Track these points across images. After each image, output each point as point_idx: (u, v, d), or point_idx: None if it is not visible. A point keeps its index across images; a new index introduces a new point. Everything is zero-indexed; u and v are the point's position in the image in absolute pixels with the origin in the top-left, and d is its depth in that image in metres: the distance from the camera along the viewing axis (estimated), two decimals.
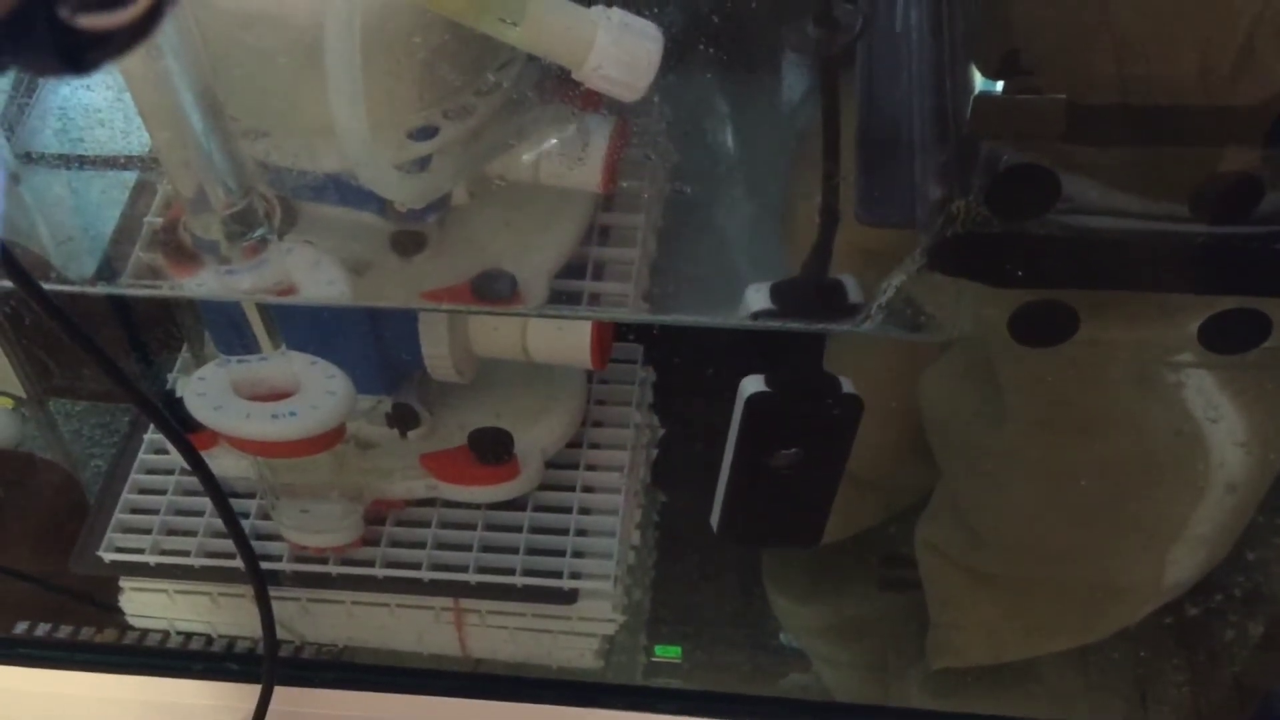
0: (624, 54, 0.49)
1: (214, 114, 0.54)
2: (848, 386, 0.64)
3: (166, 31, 0.50)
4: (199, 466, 0.64)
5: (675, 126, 0.64)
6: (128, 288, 0.64)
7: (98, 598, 0.87)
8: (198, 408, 0.70)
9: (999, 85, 0.50)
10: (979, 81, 0.51)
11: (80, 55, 0.24)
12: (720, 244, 0.64)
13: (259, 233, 0.59)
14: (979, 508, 0.77)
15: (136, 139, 0.64)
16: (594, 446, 0.85)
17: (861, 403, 0.63)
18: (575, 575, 0.80)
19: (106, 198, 0.67)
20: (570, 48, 0.49)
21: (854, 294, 0.59)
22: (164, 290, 0.64)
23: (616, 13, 0.50)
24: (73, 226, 0.67)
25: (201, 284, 0.62)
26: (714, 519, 0.71)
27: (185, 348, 0.85)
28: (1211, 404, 0.65)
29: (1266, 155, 0.49)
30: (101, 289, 0.63)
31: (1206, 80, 0.49)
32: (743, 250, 0.64)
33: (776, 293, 0.59)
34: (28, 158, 0.66)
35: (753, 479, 0.68)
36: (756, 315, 0.59)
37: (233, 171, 0.56)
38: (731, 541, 0.74)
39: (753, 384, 0.64)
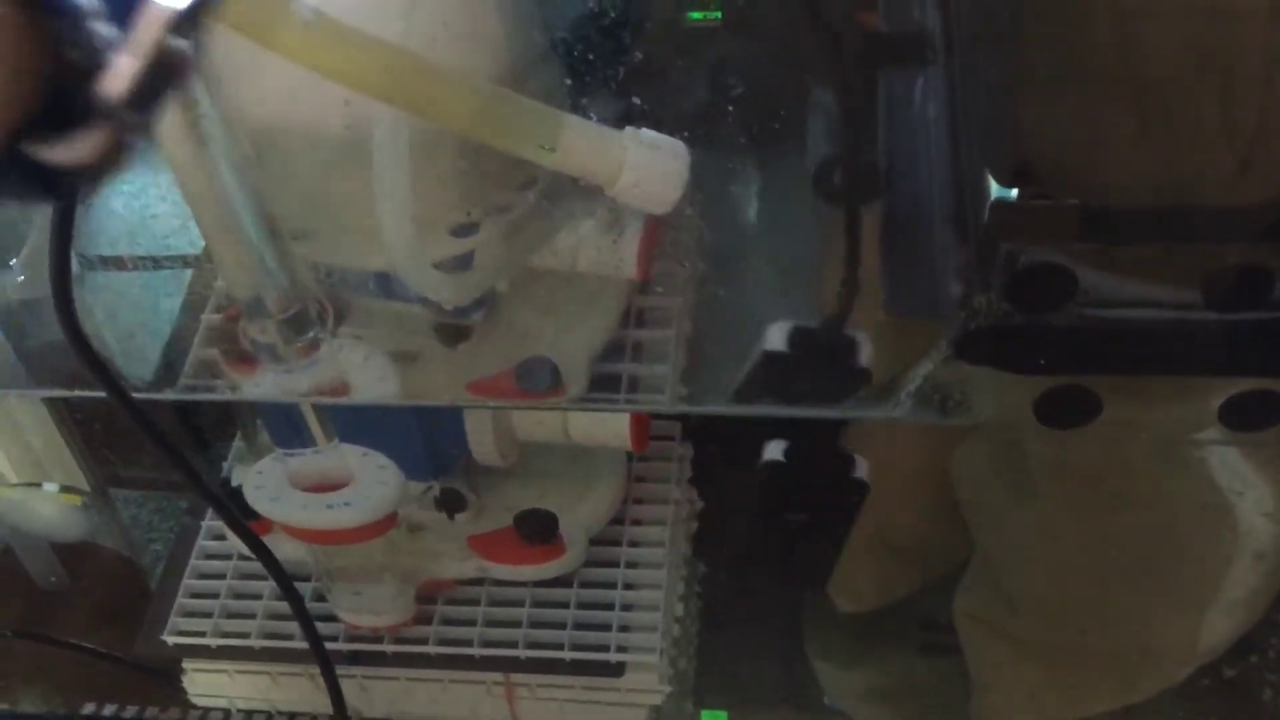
0: (654, 173, 0.51)
1: (268, 223, 0.56)
2: (860, 470, 0.65)
3: (219, 143, 0.52)
4: (266, 558, 0.67)
5: (707, 208, 0.66)
6: (189, 393, 0.66)
7: (162, 678, 0.89)
8: (257, 499, 0.72)
9: (1013, 191, 0.52)
10: (994, 188, 0.53)
11: (55, 184, 0.26)
12: (755, 321, 0.66)
13: (312, 334, 0.61)
14: (1014, 578, 0.78)
15: (188, 239, 0.67)
16: (636, 523, 0.86)
17: (868, 487, 0.64)
18: (622, 649, 0.81)
19: (164, 297, 0.69)
20: (602, 169, 0.51)
21: (865, 357, 0.60)
22: (224, 394, 0.66)
23: (646, 133, 0.52)
24: (134, 326, 0.69)
25: (258, 385, 0.64)
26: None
27: (239, 435, 0.87)
28: (1237, 477, 0.67)
29: (1276, 248, 0.51)
30: (169, 396, 0.66)
31: (1215, 178, 0.51)
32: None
33: (791, 338, 0.61)
34: (88, 262, 0.69)
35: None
36: (768, 355, 0.60)
37: (287, 276, 0.59)
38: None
39: (774, 449, 0.65)
